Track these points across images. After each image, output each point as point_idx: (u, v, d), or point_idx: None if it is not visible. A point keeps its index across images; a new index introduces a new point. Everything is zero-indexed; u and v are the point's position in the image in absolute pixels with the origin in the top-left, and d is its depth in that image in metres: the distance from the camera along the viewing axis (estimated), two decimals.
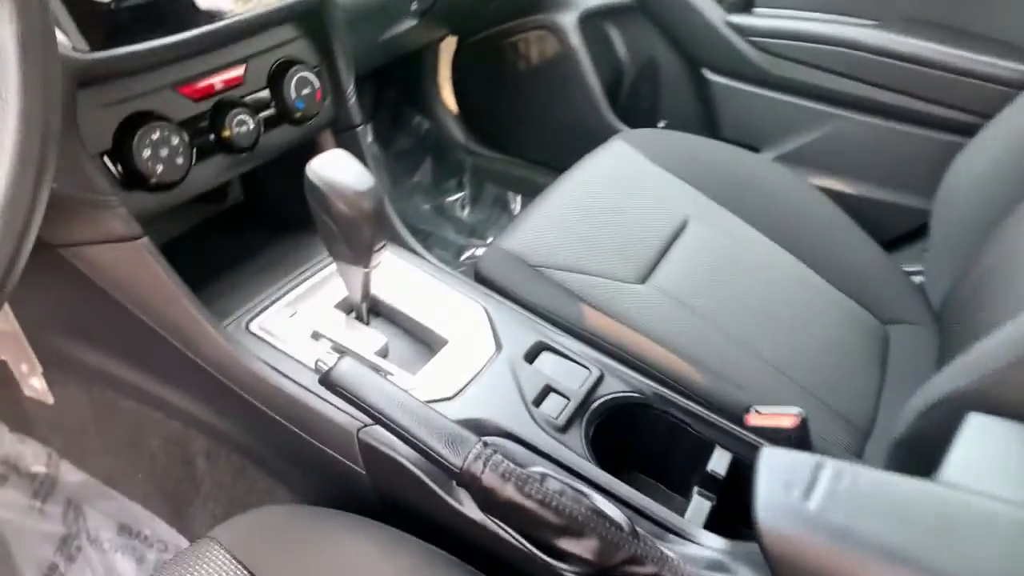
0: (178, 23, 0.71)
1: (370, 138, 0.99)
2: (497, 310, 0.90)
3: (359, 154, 0.98)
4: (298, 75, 0.86)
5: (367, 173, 0.73)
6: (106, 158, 0.71)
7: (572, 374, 0.82)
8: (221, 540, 0.61)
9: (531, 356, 0.83)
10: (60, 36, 0.61)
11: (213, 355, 0.77)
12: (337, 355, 0.69)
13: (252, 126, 0.81)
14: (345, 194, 0.71)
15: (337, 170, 0.72)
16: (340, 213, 0.71)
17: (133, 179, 0.72)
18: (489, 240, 1.95)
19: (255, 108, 0.83)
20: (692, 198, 1.18)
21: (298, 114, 0.87)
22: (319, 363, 0.68)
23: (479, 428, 0.72)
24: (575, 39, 1.72)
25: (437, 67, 1.98)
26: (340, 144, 0.98)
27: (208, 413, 0.87)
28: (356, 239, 0.74)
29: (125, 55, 0.66)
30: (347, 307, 0.89)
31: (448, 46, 1.95)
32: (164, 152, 0.73)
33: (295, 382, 0.77)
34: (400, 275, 0.93)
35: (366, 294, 0.85)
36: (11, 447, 1.13)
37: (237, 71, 0.82)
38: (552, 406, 0.79)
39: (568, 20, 1.72)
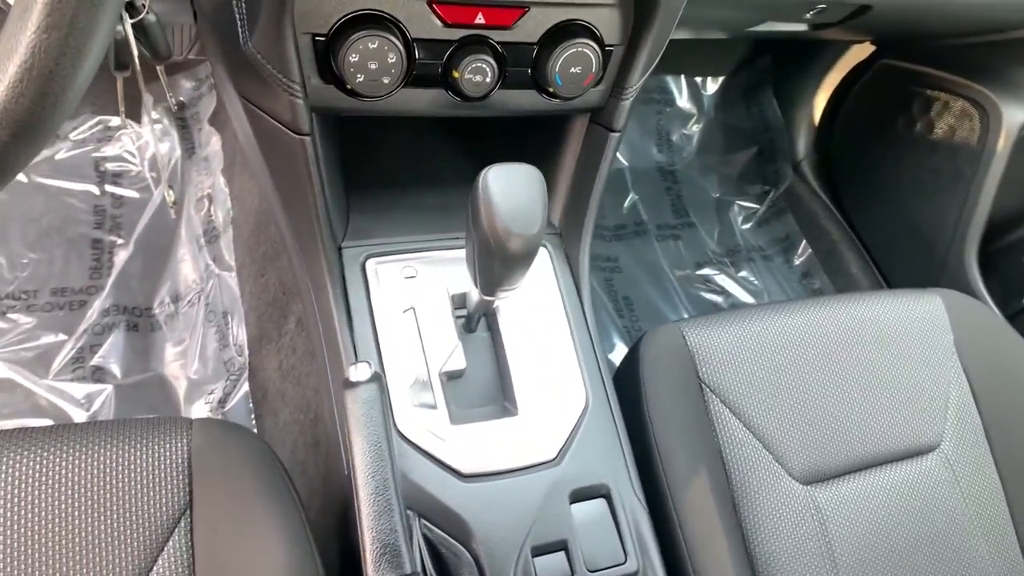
0: None
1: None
2: (596, 414, 0.75)
3: (594, 164, 0.83)
4: (575, 49, 0.70)
5: (541, 209, 0.59)
6: (317, 42, 0.64)
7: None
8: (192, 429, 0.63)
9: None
10: None
11: (308, 273, 0.74)
12: (369, 372, 0.61)
13: (489, 79, 0.69)
14: (504, 228, 0.58)
15: (513, 196, 0.59)
16: (485, 243, 0.59)
17: (332, 75, 0.65)
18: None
19: (505, 59, 0.70)
20: (961, 412, 0.87)
21: (551, 88, 0.72)
22: (355, 372, 0.61)
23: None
24: (1003, 141, 1.27)
25: (827, 73, 1.62)
26: (589, 138, 0.83)
27: (304, 294, 0.86)
28: (490, 272, 0.63)
29: None
30: (463, 301, 0.79)
31: (850, 57, 1.57)
32: (373, 65, 0.64)
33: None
34: (546, 312, 0.80)
35: (481, 310, 0.74)
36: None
37: (512, 14, 0.68)
38: (550, 564, 0.66)
39: (1016, 116, 1.27)
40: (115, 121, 1.32)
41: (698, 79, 1.80)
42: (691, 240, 1.71)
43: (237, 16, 0.62)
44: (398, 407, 0.71)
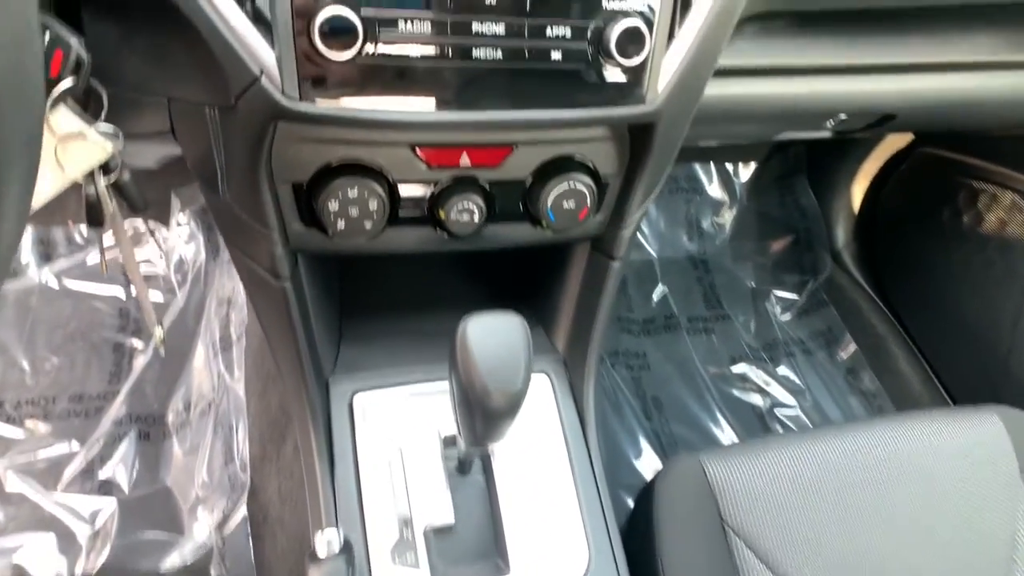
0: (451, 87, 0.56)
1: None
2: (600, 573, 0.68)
3: (596, 290, 0.78)
4: (569, 183, 0.67)
5: (524, 363, 0.54)
6: (297, 189, 0.62)
7: None
8: None
9: None
10: (268, 83, 0.51)
11: (294, 407, 0.71)
12: (338, 543, 0.56)
13: (477, 218, 0.66)
14: (483, 384, 0.53)
15: (494, 348, 0.55)
16: (465, 398, 0.55)
17: (314, 219, 0.63)
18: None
19: (493, 195, 0.67)
20: None
21: (544, 222, 0.69)
22: (321, 544, 0.57)
23: None
24: None
25: (864, 161, 1.56)
26: (591, 264, 0.79)
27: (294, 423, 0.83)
28: (471, 428, 0.58)
29: (344, 116, 0.54)
30: (456, 440, 0.74)
31: (888, 145, 1.50)
32: (354, 212, 0.62)
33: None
34: (547, 452, 0.75)
35: (473, 455, 0.69)
36: None
37: (498, 153, 0.66)
38: None
39: None
40: (143, 227, 1.35)
41: (729, 166, 1.76)
42: (725, 333, 1.63)
43: (217, 166, 0.62)
44: (377, 567, 0.66)
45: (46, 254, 1.32)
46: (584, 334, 0.81)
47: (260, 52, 0.51)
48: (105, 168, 0.58)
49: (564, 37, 0.56)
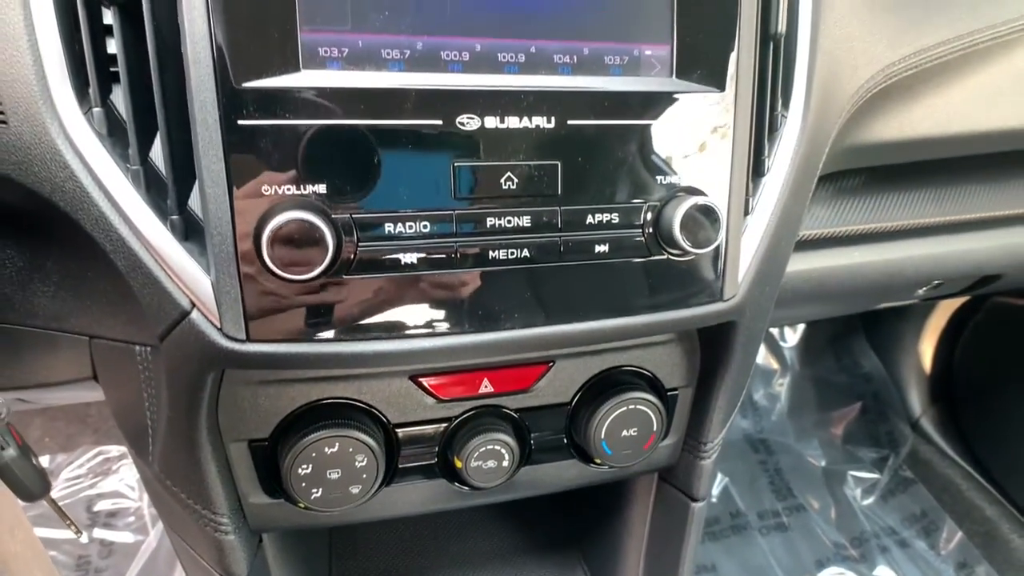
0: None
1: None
2: None
3: (675, 539, 0.58)
4: (627, 405, 0.49)
5: None
6: (255, 448, 0.45)
7: None
8: None
9: None
10: (202, 318, 0.36)
11: None
12: None
13: (507, 462, 0.48)
14: None
15: None
16: None
17: (281, 488, 0.45)
18: None
19: (526, 427, 0.50)
20: None
21: (598, 458, 0.51)
22: None
23: None
24: None
25: (929, 316, 1.39)
26: (661, 502, 0.59)
27: None
28: None
29: (312, 356, 0.38)
30: None
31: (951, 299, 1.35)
32: (334, 475, 0.44)
33: None
34: None
35: None
36: None
37: (531, 373, 0.49)
38: None
39: None
40: (115, 451, 1.18)
41: (774, 330, 1.59)
42: (803, 528, 1.37)
43: (148, 422, 0.45)
44: None
45: None
46: None
47: (189, 277, 0.36)
48: None
49: (611, 224, 0.41)
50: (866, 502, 1.44)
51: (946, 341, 1.41)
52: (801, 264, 0.61)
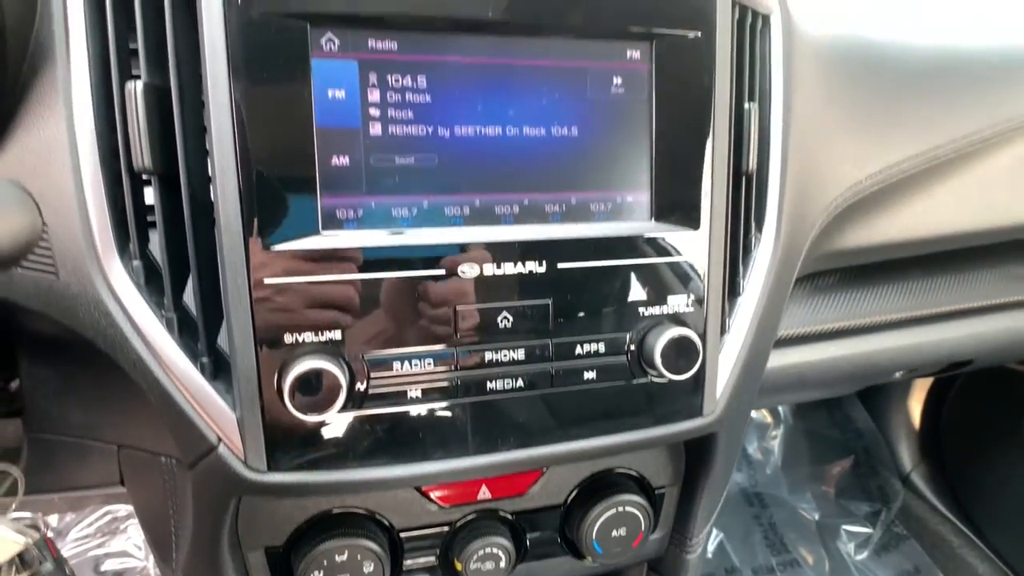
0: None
1: None
2: None
3: None
4: (617, 508, 0.53)
5: None
6: (271, 555, 0.49)
7: None
8: None
9: None
10: (228, 452, 0.40)
11: None
12: None
13: (504, 563, 0.51)
14: None
15: None
16: None
17: None
18: None
19: (521, 528, 0.53)
20: None
21: (589, 556, 0.54)
22: None
23: None
24: None
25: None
26: None
27: None
28: None
29: (325, 485, 0.42)
30: None
31: None
32: None
33: None
34: None
35: None
36: None
37: (525, 480, 0.53)
38: None
39: None
40: (124, 510, 1.20)
41: None
42: None
43: (172, 528, 0.49)
44: None
45: None
46: None
47: (217, 413, 0.40)
48: (21, 560, 0.45)
49: (597, 353, 0.46)
50: (859, 557, 1.45)
51: (933, 398, 1.45)
52: (779, 360, 0.65)
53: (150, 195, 0.41)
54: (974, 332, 0.75)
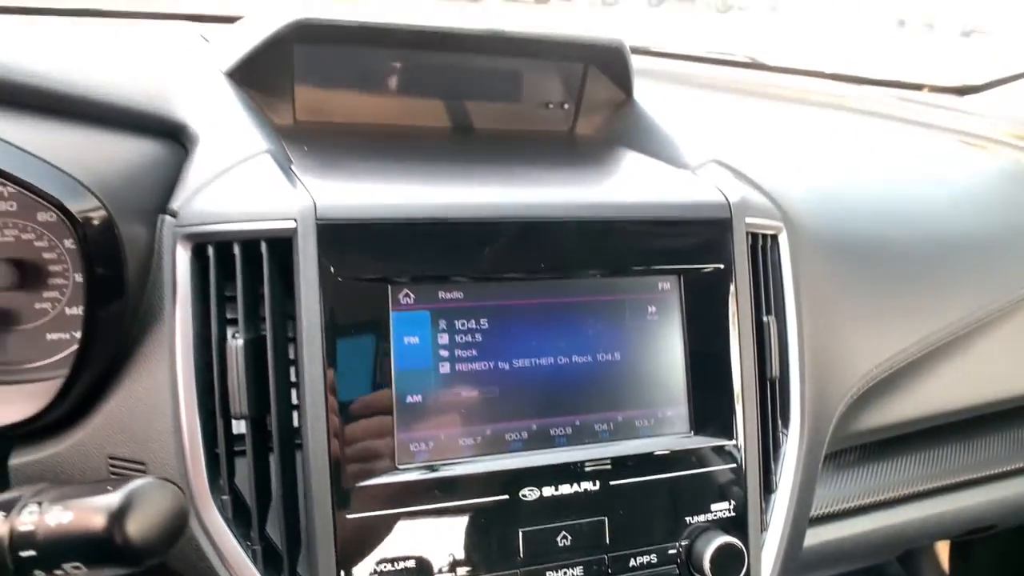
0: None
1: None
2: None
3: None
4: None
5: None
6: None
7: None
8: None
9: None
10: None
11: None
12: None
13: None
14: None
15: None
16: None
17: None
18: None
19: None
20: None
21: None
22: None
23: None
24: None
25: None
26: None
27: None
28: None
29: None
30: None
31: None
32: None
33: None
34: None
35: None
36: None
37: None
38: None
39: None
40: None
41: None
42: None
43: None
44: None
45: None
46: None
47: None
48: None
49: (651, 564, 0.48)
50: None
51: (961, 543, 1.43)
52: (812, 539, 0.67)
53: (236, 431, 0.45)
54: (993, 498, 0.77)
